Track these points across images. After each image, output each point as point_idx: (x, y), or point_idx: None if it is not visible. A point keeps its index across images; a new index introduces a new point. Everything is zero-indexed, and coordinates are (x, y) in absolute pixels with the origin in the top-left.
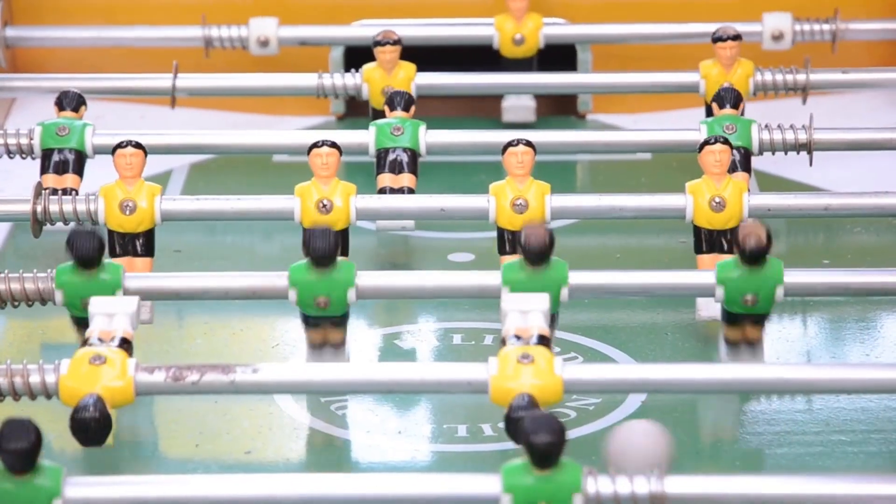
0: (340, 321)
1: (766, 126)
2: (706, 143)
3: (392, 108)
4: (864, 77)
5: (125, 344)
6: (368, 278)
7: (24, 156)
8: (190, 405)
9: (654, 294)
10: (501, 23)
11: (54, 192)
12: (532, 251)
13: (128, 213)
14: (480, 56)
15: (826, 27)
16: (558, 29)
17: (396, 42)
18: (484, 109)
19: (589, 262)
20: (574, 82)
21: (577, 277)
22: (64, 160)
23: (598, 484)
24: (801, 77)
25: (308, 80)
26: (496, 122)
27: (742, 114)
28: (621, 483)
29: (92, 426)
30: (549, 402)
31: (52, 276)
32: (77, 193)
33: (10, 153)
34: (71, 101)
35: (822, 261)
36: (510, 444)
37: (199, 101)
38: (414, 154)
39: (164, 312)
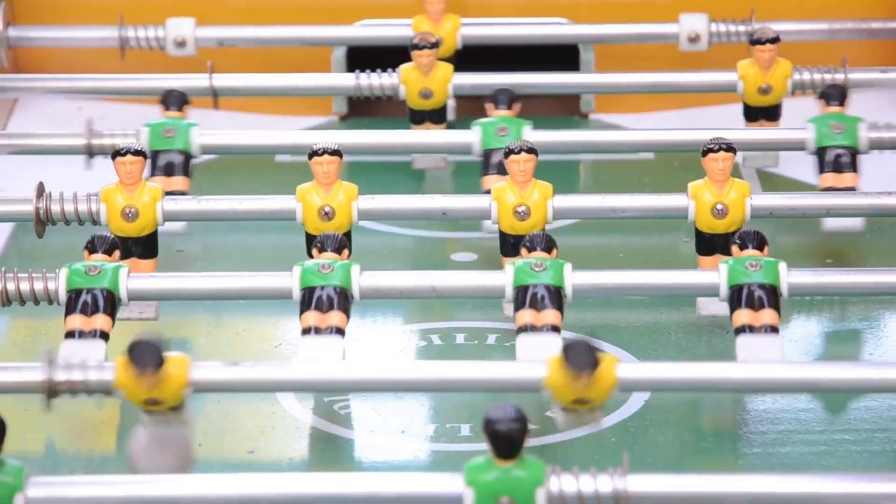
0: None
1: (874, 125)
2: (709, 149)
3: (496, 107)
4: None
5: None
6: (371, 278)
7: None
8: (193, 404)
9: (658, 294)
10: (419, 24)
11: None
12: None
13: (130, 219)
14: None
15: (742, 28)
16: (561, 29)
17: (434, 45)
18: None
19: (592, 262)
20: (577, 82)
21: (581, 277)
22: (171, 162)
23: (562, 481)
24: (839, 76)
25: (346, 79)
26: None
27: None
28: (584, 481)
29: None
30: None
31: (57, 275)
32: (185, 194)
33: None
34: (175, 101)
35: (826, 260)
36: None
37: (201, 102)
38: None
39: (168, 312)
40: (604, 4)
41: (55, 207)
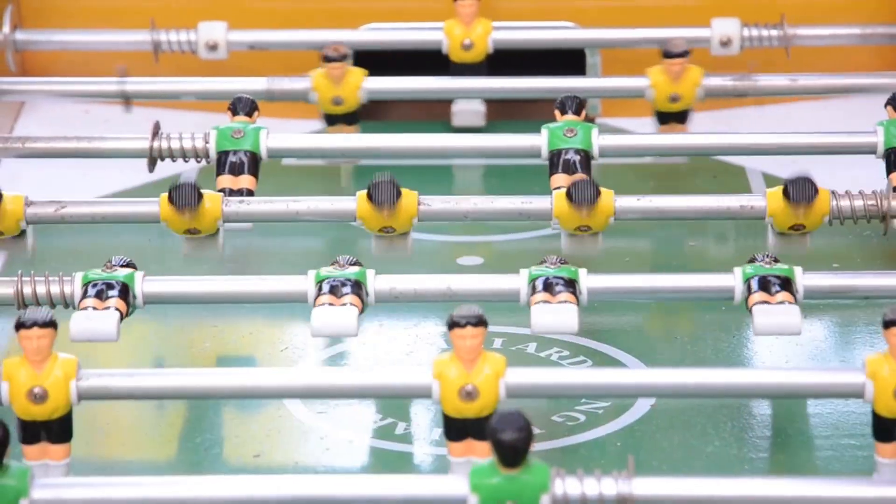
0: None
1: None
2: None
3: (563, 112)
4: (812, 83)
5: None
6: (377, 282)
7: (199, 159)
8: (198, 407)
9: (665, 297)
10: (451, 28)
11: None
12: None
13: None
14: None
15: (774, 33)
16: (567, 33)
17: (344, 57)
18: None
19: (598, 266)
20: (583, 86)
21: (587, 281)
22: (240, 161)
23: (566, 485)
24: (748, 83)
25: (257, 84)
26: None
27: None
28: (589, 484)
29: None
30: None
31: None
32: (252, 194)
33: (185, 157)
34: (245, 107)
35: (832, 264)
36: None
37: (207, 105)
38: (587, 155)
39: (174, 315)
40: (611, 9)
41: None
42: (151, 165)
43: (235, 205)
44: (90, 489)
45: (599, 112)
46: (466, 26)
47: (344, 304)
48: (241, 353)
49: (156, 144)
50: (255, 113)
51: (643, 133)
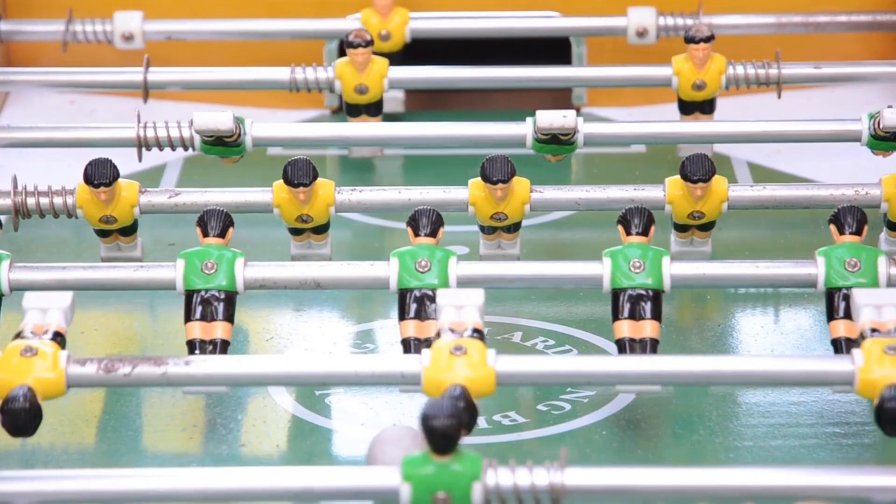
0: None
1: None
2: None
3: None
4: (837, 71)
5: (58, 337)
6: (473, 267)
7: (185, 147)
8: (183, 397)
9: (761, 285)
10: (367, 18)
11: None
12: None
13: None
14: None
15: (690, 21)
16: (553, 22)
17: (369, 43)
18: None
19: (585, 254)
20: (569, 76)
21: (574, 268)
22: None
23: (498, 475)
24: (773, 71)
25: (281, 73)
26: (491, 115)
27: None
28: (521, 475)
29: (22, 416)
30: (483, 394)
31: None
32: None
33: (172, 146)
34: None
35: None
36: (504, 437)
37: (194, 95)
38: None
39: (160, 305)
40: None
41: (31, 201)
42: (140, 154)
43: (348, 193)
44: (72, 481)
45: (585, 101)
46: (383, 17)
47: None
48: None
49: (142, 133)
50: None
51: (628, 122)
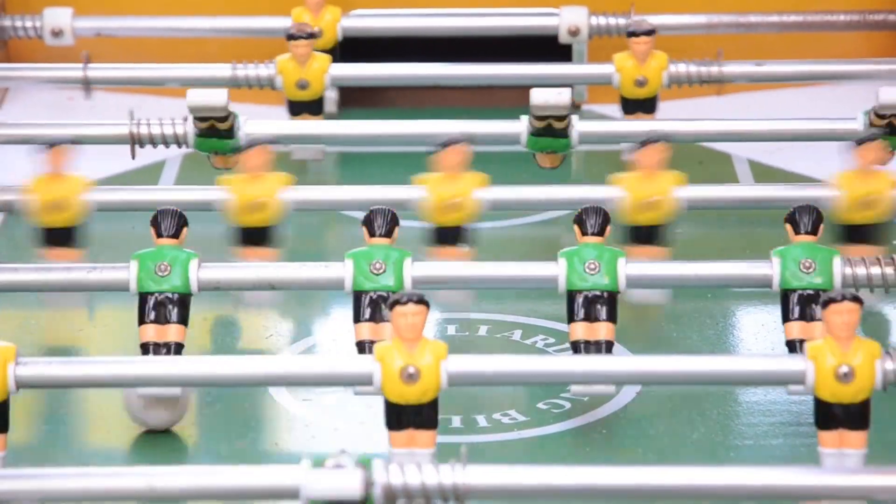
0: None
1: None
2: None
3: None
4: (778, 70)
5: None
6: (426, 268)
7: (179, 145)
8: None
9: (717, 285)
10: (298, 15)
11: None
12: None
13: None
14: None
15: (622, 21)
16: (553, 20)
17: (311, 35)
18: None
19: None
20: (569, 73)
21: (641, 269)
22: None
23: (406, 474)
24: (714, 69)
25: (222, 70)
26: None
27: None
28: (422, 474)
29: None
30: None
31: None
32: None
33: (166, 143)
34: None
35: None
36: (505, 436)
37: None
38: None
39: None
40: None
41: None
42: (133, 151)
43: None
44: (67, 479)
45: (585, 99)
46: (314, 14)
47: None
48: (226, 341)
49: (135, 130)
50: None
51: (622, 120)
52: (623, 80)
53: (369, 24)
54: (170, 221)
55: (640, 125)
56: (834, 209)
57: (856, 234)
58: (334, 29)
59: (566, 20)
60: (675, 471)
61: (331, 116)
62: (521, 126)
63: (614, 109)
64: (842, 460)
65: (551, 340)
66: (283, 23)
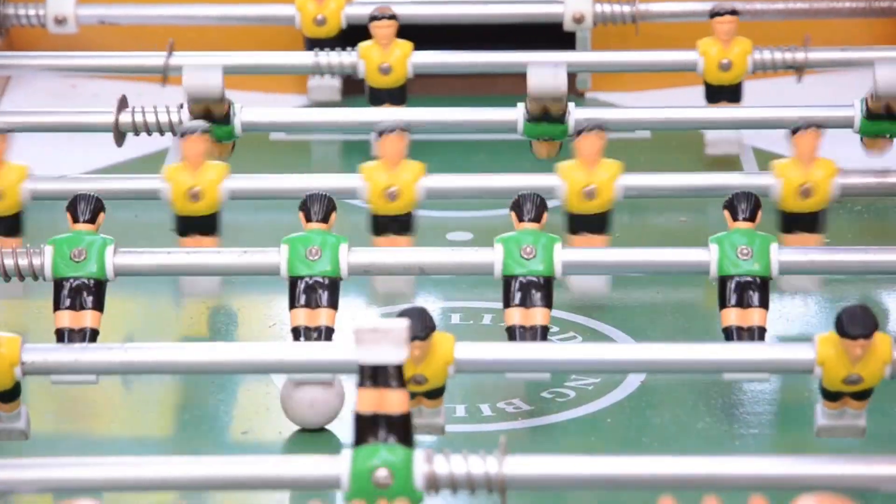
0: None
1: None
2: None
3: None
4: (862, 55)
5: None
6: (365, 255)
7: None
8: (185, 384)
9: (654, 272)
10: (303, 3)
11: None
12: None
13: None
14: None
15: (627, 9)
16: (557, 7)
17: (392, 17)
18: (475, 87)
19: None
20: (572, 60)
21: (577, 255)
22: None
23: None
24: (799, 55)
25: (305, 58)
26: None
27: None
28: (458, 464)
29: None
30: None
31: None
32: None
33: (161, 131)
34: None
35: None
36: (509, 424)
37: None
38: None
39: (163, 291)
40: None
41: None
42: (119, 140)
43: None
44: (73, 468)
45: (589, 86)
46: (319, 3)
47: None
48: (229, 328)
49: (122, 119)
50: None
51: (622, 107)
52: (707, 64)
53: (500, 12)
54: (85, 206)
55: (634, 113)
56: (774, 197)
57: (795, 222)
58: (338, 17)
59: (571, 8)
60: (680, 460)
61: (334, 104)
62: (517, 113)
63: (619, 97)
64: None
65: (555, 329)
66: (287, 10)
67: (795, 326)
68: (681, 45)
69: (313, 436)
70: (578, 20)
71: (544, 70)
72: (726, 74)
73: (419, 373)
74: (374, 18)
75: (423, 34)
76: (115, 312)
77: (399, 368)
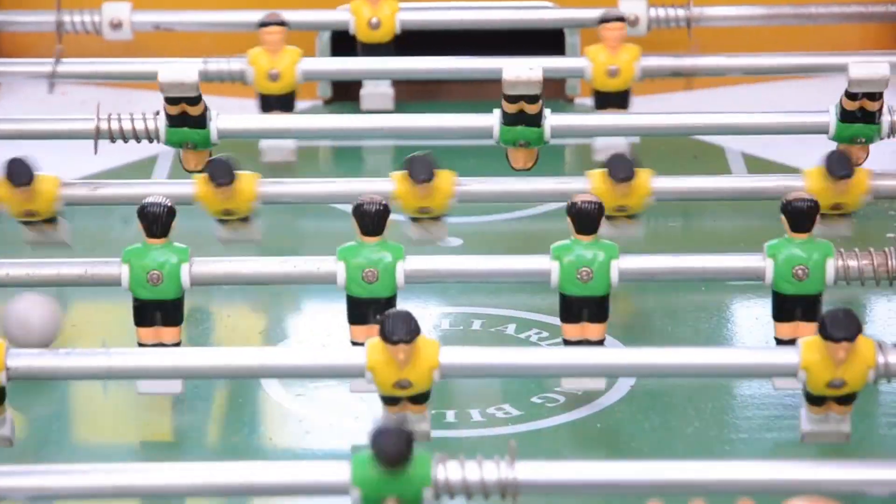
0: None
1: None
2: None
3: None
4: (744, 62)
5: None
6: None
7: (151, 140)
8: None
9: (643, 278)
10: (357, 7)
11: None
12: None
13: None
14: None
15: (681, 13)
16: (545, 13)
17: (282, 23)
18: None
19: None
20: (562, 66)
21: (634, 263)
22: None
23: (448, 472)
24: (687, 62)
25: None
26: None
27: None
28: (471, 470)
29: None
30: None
31: None
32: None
33: (137, 138)
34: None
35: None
36: (499, 430)
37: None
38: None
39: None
40: None
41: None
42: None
43: (270, 185)
44: (64, 476)
45: (578, 92)
46: (373, 5)
47: None
48: (218, 336)
49: (103, 126)
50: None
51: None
52: (595, 70)
53: (428, 17)
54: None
55: (613, 118)
56: None
57: None
58: (393, 20)
59: (625, 11)
60: (669, 465)
61: (318, 110)
62: (493, 119)
63: None
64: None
65: (545, 334)
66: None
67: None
68: (664, 50)
69: (304, 441)
70: (633, 23)
71: (519, 66)
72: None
73: (404, 377)
74: (262, 24)
75: (414, 40)
76: (108, 318)
77: None
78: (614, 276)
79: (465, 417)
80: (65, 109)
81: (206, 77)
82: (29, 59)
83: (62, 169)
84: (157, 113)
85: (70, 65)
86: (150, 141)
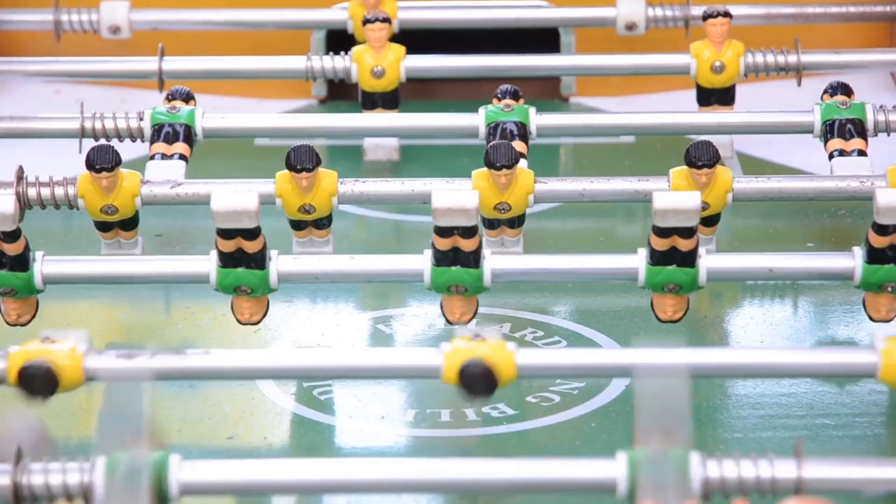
0: None
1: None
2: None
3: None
4: (856, 58)
5: None
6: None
7: (133, 139)
8: (170, 390)
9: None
10: (355, 8)
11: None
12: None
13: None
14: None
15: (679, 13)
16: (541, 12)
17: (385, 20)
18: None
19: (572, 246)
20: (557, 65)
21: (561, 261)
22: (174, 132)
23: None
24: (792, 58)
25: (296, 62)
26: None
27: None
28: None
29: (38, 377)
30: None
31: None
32: (186, 159)
33: (120, 138)
34: (181, 95)
35: (807, 244)
36: (495, 429)
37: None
38: (523, 126)
39: (147, 297)
40: None
41: (31, 192)
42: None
43: (351, 184)
44: (59, 474)
45: (574, 91)
46: (371, 6)
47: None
48: (213, 334)
49: (87, 125)
50: (192, 101)
51: (606, 112)
52: (699, 67)
53: (425, 16)
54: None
55: (618, 118)
56: None
57: None
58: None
59: (623, 12)
60: None
61: (313, 109)
62: (479, 119)
63: (603, 102)
64: None
65: (540, 333)
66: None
67: (779, 330)
68: (660, 49)
69: (299, 439)
70: (630, 27)
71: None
72: (718, 77)
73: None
74: (367, 21)
75: (419, 39)
76: (102, 318)
77: None
78: None
79: (461, 417)
80: (61, 108)
81: (311, 74)
82: (22, 58)
83: (38, 168)
84: (141, 118)
85: (66, 63)
86: (133, 140)
